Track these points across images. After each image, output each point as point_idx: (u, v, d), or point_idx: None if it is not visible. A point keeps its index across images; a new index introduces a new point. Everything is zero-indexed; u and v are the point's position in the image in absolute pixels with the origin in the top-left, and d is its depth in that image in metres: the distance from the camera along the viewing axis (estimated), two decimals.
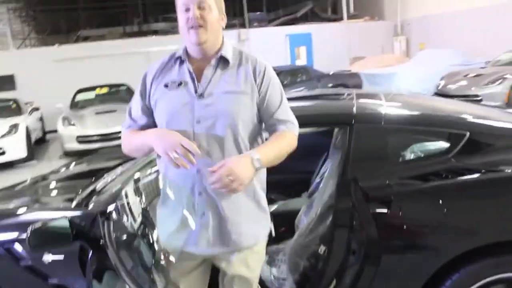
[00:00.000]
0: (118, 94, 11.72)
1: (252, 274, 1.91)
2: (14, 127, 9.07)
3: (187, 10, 1.75)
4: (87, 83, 11.86)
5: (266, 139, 1.85)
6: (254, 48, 14.75)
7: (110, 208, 2.28)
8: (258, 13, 20.28)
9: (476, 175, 2.15)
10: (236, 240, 1.81)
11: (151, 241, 2.22)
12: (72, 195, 2.82)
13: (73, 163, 4.26)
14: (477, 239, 2.04)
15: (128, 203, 2.38)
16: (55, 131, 10.25)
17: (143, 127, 1.88)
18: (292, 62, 16.79)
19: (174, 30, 19.75)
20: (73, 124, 9.48)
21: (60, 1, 18.76)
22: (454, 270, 2.05)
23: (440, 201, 2.05)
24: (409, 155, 2.32)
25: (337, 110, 2.58)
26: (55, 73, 13.80)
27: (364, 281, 2.12)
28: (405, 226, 2.08)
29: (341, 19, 18.62)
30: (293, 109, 2.71)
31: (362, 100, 2.70)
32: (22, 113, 10.27)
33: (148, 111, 1.88)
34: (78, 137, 9.24)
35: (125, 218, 2.32)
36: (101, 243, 2.12)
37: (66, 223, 2.08)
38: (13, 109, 10.39)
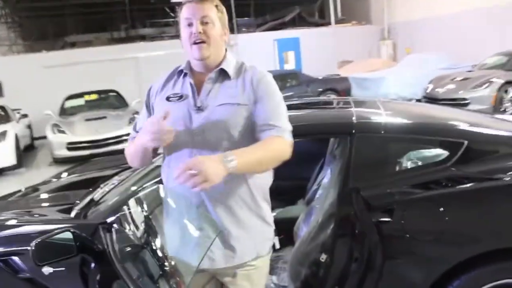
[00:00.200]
0: (107, 100, 11.68)
1: None
2: (3, 135, 8.97)
3: (190, 25, 1.76)
4: (75, 90, 11.81)
5: None
6: (242, 53, 14.78)
7: (111, 219, 2.28)
8: (246, 18, 20.34)
9: (475, 183, 2.19)
10: (237, 255, 1.80)
11: (154, 248, 2.21)
12: (70, 206, 2.82)
13: (65, 173, 4.21)
14: (478, 247, 2.08)
15: (130, 213, 2.38)
16: (44, 137, 10.18)
17: None
18: (280, 67, 16.88)
19: (161, 36, 19.77)
20: (63, 131, 9.42)
21: (46, 7, 18.62)
22: (455, 277, 2.09)
23: (441, 209, 2.09)
24: (409, 163, 2.36)
25: (337, 120, 2.60)
26: (42, 79, 13.72)
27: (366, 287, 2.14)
28: (407, 234, 2.11)
29: (328, 23, 18.75)
30: (292, 119, 2.75)
31: (360, 109, 2.74)
32: (10, 120, 10.18)
33: None
34: (68, 144, 9.19)
35: (127, 228, 2.32)
36: (104, 254, 2.12)
37: (69, 236, 2.07)
38: (1, 116, 10.28)
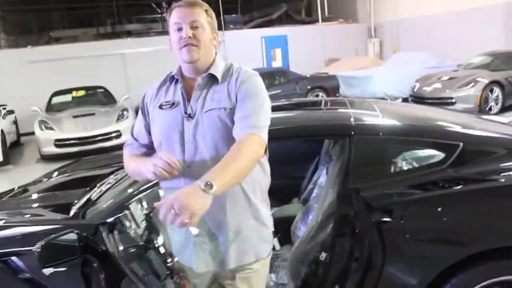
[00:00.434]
0: (95, 96, 11.60)
1: None
2: None
3: (180, 29, 1.75)
4: (61, 86, 11.71)
5: None
6: (230, 50, 14.78)
7: (112, 218, 2.29)
8: (234, 15, 20.31)
9: (471, 184, 2.26)
10: (234, 259, 1.81)
11: (156, 246, 2.22)
12: (65, 206, 2.81)
13: (56, 172, 4.19)
14: (475, 246, 2.14)
15: (130, 212, 2.39)
16: (30, 133, 10.06)
17: (145, 146, 1.92)
18: (268, 64, 16.92)
19: (148, 32, 19.64)
20: (51, 128, 9.33)
21: (30, 0, 18.35)
22: (452, 275, 2.14)
23: (439, 210, 2.15)
24: (407, 165, 2.41)
25: (335, 121, 2.64)
26: (28, 75, 13.57)
27: (367, 286, 2.19)
28: (406, 234, 2.17)
29: (315, 21, 18.81)
30: (290, 120, 2.79)
31: (357, 111, 2.78)
32: None
33: (149, 130, 1.91)
34: (56, 140, 9.11)
35: (129, 227, 2.34)
36: (108, 255, 2.14)
37: (74, 237, 2.08)
38: None
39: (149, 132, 1.90)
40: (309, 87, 12.18)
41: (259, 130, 1.70)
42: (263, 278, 1.94)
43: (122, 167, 3.18)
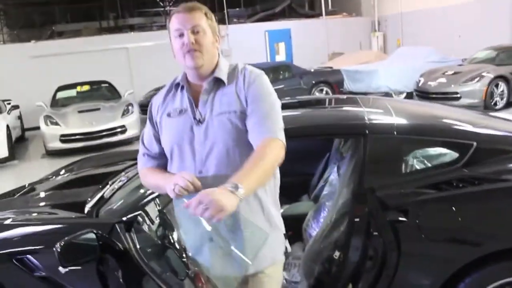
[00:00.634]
0: (99, 91, 11.59)
1: None
2: None
3: (181, 35, 1.75)
4: (65, 80, 11.69)
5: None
6: (234, 44, 14.77)
7: (129, 217, 2.31)
8: (237, 9, 20.26)
9: (486, 183, 2.27)
10: (248, 264, 1.75)
11: (172, 242, 2.23)
12: (76, 204, 2.83)
13: (63, 170, 4.21)
14: (490, 245, 2.15)
15: (145, 211, 2.41)
16: (34, 128, 10.06)
17: (158, 155, 1.91)
18: (271, 58, 16.90)
19: (150, 25, 19.61)
20: (56, 123, 9.34)
21: None
22: (466, 275, 2.16)
23: (454, 209, 2.16)
24: (421, 164, 2.42)
25: (349, 120, 2.64)
26: (31, 70, 13.57)
27: (381, 285, 2.21)
28: (421, 234, 2.18)
29: (319, 15, 18.76)
30: (304, 119, 2.80)
31: (371, 109, 2.79)
32: (1, 111, 10.05)
33: (159, 139, 1.90)
34: (61, 136, 9.13)
35: (144, 224, 2.35)
36: (127, 254, 2.15)
37: (92, 236, 2.10)
38: None
39: (159, 141, 1.89)
40: (313, 81, 12.12)
41: (277, 133, 1.72)
42: (278, 283, 1.89)
43: (133, 165, 3.21)
